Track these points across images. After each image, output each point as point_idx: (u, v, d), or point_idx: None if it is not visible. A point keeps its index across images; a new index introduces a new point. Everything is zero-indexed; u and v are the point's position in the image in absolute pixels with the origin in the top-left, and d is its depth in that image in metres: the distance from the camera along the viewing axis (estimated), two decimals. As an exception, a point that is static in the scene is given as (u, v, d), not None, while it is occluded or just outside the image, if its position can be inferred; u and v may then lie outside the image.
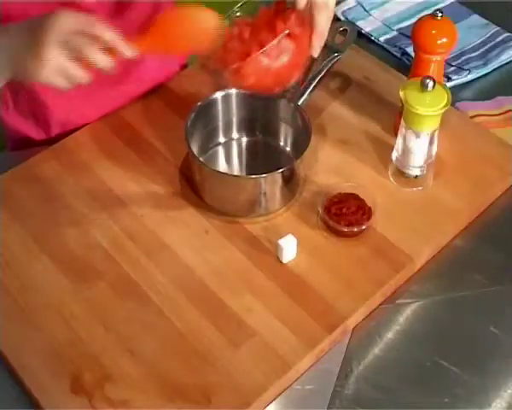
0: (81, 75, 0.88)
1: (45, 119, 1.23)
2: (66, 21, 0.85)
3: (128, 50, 0.89)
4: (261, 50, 0.92)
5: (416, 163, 1.08)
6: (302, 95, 1.13)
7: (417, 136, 1.05)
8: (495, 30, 1.39)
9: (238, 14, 0.98)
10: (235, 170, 1.16)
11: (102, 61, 0.87)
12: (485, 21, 1.41)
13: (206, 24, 0.93)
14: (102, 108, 1.22)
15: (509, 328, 0.98)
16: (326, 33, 0.99)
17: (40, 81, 0.87)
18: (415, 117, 1.03)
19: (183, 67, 1.36)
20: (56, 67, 0.86)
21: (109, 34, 0.87)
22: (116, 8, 1.15)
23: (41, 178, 1.12)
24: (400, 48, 1.36)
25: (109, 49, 0.88)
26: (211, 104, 1.13)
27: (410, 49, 1.32)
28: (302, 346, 0.92)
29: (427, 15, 1.08)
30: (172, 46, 0.95)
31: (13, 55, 0.87)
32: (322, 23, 0.97)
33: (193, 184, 1.10)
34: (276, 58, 0.94)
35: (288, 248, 1.00)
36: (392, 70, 1.29)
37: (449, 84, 1.27)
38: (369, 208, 1.04)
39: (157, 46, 0.93)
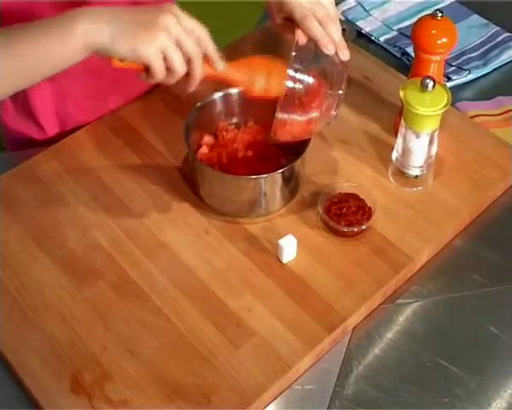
0: (179, 67, 0.90)
1: (44, 119, 1.23)
2: (181, 15, 0.89)
3: (220, 64, 0.95)
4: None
5: (416, 163, 1.08)
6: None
7: (417, 136, 1.05)
8: (495, 30, 1.39)
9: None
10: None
11: (199, 66, 0.91)
12: (485, 21, 1.41)
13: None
14: (102, 108, 1.22)
15: (509, 328, 0.98)
16: (342, 39, 1.02)
17: (140, 57, 0.88)
18: (415, 117, 1.03)
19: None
20: (161, 49, 0.88)
21: (211, 44, 0.92)
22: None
23: (41, 178, 1.12)
24: (400, 48, 1.36)
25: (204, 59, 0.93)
26: (211, 104, 1.13)
27: (410, 49, 1.32)
28: (302, 346, 0.92)
29: (427, 15, 1.08)
30: (251, 84, 1.01)
31: (120, 27, 0.88)
32: (337, 34, 1.01)
33: (193, 184, 1.10)
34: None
35: (288, 248, 1.00)
36: (392, 70, 1.29)
37: (449, 85, 1.27)
38: (369, 208, 1.04)
39: (237, 78, 1.00)
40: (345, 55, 1.02)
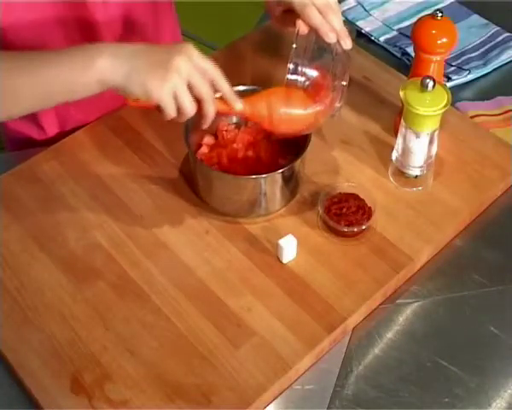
0: (189, 108, 0.91)
1: (44, 119, 1.23)
2: (195, 56, 0.90)
3: (237, 104, 0.95)
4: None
5: (416, 163, 1.08)
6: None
7: (417, 136, 1.05)
8: (495, 30, 1.39)
9: None
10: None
11: (211, 106, 0.92)
12: (485, 21, 1.41)
13: (307, 111, 0.99)
14: (102, 108, 1.22)
15: (509, 328, 0.98)
16: (343, 28, 1.03)
17: (152, 98, 0.90)
18: (415, 117, 1.03)
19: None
20: (174, 91, 0.89)
21: (226, 84, 0.93)
22: (120, 9, 1.15)
23: (41, 178, 1.12)
24: (400, 48, 1.36)
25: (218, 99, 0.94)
26: (211, 104, 1.12)
27: (410, 49, 1.32)
28: (302, 346, 0.92)
29: (427, 15, 1.08)
30: (271, 121, 0.99)
31: (133, 67, 0.90)
32: (337, 23, 1.02)
33: (193, 184, 1.10)
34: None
35: (288, 248, 1.00)
36: (392, 70, 1.29)
37: (449, 85, 1.27)
38: (369, 208, 1.04)
39: (257, 115, 0.98)
40: (347, 43, 1.02)
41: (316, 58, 1.01)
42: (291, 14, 1.03)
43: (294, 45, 0.98)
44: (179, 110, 0.91)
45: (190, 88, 0.90)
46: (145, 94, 0.90)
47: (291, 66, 0.98)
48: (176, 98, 0.90)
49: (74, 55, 0.94)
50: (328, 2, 1.02)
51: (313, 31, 1.01)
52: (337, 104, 1.01)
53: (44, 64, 0.94)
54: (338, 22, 1.02)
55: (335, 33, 1.01)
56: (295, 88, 1.00)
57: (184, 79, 0.89)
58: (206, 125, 0.95)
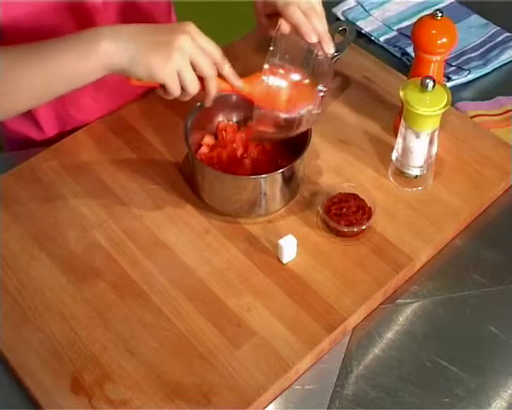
0: (193, 86, 0.92)
1: (44, 120, 1.23)
2: (197, 35, 0.91)
3: (237, 82, 0.97)
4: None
5: (416, 163, 1.08)
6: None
7: (417, 136, 1.05)
8: (495, 30, 1.39)
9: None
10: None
11: (214, 85, 0.94)
12: (485, 21, 1.41)
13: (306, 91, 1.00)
14: (102, 109, 1.22)
15: (509, 328, 0.98)
16: (326, 32, 1.03)
17: (156, 78, 0.90)
18: (415, 117, 1.03)
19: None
20: (177, 70, 0.90)
21: (227, 63, 0.95)
22: (121, 10, 1.15)
23: (41, 178, 1.12)
24: (400, 48, 1.36)
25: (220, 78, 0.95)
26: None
27: (410, 49, 1.32)
28: (302, 346, 0.92)
29: (427, 15, 1.08)
30: (268, 98, 0.99)
31: (136, 49, 0.90)
32: (320, 26, 1.02)
33: (193, 185, 1.10)
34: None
35: (288, 248, 1.00)
36: (392, 70, 1.29)
37: (449, 85, 1.27)
38: (369, 208, 1.04)
39: (256, 93, 0.98)
40: (329, 47, 1.02)
41: (297, 61, 1.01)
42: (276, 18, 1.03)
43: (271, 47, 0.97)
44: (183, 88, 0.92)
45: (193, 66, 0.91)
46: (149, 75, 0.90)
47: (266, 66, 0.98)
48: (179, 77, 0.91)
49: (75, 42, 0.93)
50: (313, 6, 1.02)
51: (294, 31, 1.01)
52: (315, 111, 1.00)
53: (45, 55, 0.93)
54: (322, 26, 1.02)
55: (317, 35, 1.01)
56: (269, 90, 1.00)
57: (187, 58, 0.90)
58: (208, 104, 0.97)
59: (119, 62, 0.91)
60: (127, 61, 0.90)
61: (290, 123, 1.01)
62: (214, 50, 0.93)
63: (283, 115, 1.00)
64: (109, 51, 0.90)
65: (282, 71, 0.99)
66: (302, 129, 1.03)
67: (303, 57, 1.02)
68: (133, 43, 0.90)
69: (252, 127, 1.03)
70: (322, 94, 0.99)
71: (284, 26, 1.01)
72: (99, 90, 1.19)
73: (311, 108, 1.00)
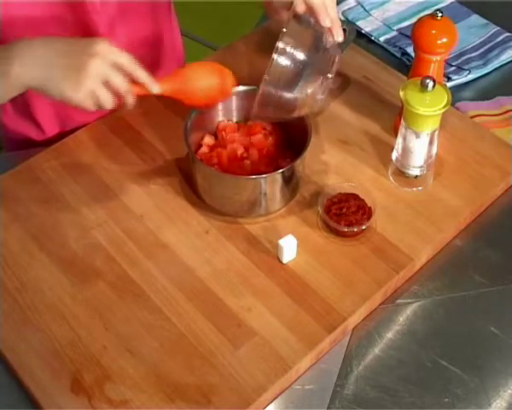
0: (108, 103, 0.95)
1: (44, 120, 1.23)
2: (107, 53, 0.93)
3: (155, 88, 0.97)
4: None
5: (416, 163, 1.08)
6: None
7: (417, 136, 1.05)
8: (495, 30, 1.39)
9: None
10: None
11: (130, 96, 0.96)
12: (485, 21, 1.41)
13: (225, 82, 1.04)
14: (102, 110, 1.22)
15: (509, 328, 0.98)
16: (338, 19, 1.04)
17: (70, 102, 0.93)
18: (415, 117, 1.03)
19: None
20: (90, 93, 0.93)
21: (142, 72, 0.95)
22: (119, 10, 1.16)
23: (41, 178, 1.12)
24: (400, 48, 1.36)
25: (137, 84, 0.97)
26: (211, 104, 1.13)
27: (410, 49, 1.32)
28: (302, 346, 0.92)
29: (427, 15, 1.08)
30: (189, 94, 1.02)
31: (48, 74, 0.93)
32: (333, 12, 1.03)
33: (193, 184, 1.10)
34: None
35: (288, 248, 1.00)
36: (392, 70, 1.29)
37: (449, 85, 1.27)
38: (369, 208, 1.04)
39: (176, 91, 1.00)
40: (338, 34, 1.03)
41: (304, 46, 1.01)
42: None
43: (284, 29, 0.98)
44: (99, 106, 0.94)
45: (107, 84, 0.93)
46: (63, 99, 0.92)
47: (280, 45, 0.98)
48: (93, 97, 0.93)
49: None
50: None
51: (309, 14, 1.01)
52: (319, 96, 1.01)
53: None
54: (334, 13, 1.03)
55: (331, 20, 1.02)
56: (217, 64, 1.03)
57: (100, 80, 0.92)
58: (127, 109, 0.98)
59: (33, 85, 0.94)
60: (40, 86, 0.93)
61: (292, 105, 1.02)
62: (127, 62, 0.94)
63: (286, 96, 1.01)
64: (21, 75, 0.93)
65: (293, 51, 1.00)
66: (303, 112, 1.03)
67: (313, 42, 1.03)
68: (44, 69, 0.92)
69: (253, 107, 1.03)
70: (328, 80, 1.00)
71: (300, 6, 1.01)
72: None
73: (315, 92, 1.00)
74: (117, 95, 0.95)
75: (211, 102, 1.07)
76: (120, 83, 0.94)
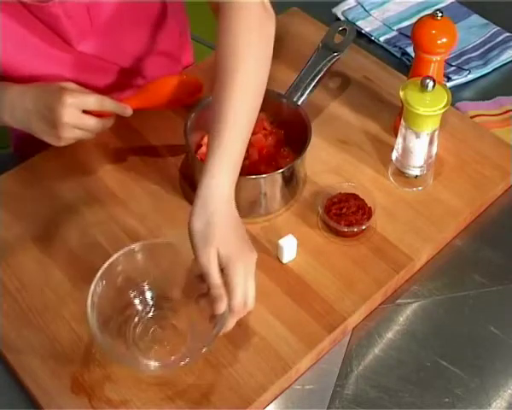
0: (89, 137, 1.05)
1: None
2: (73, 99, 0.99)
3: (127, 112, 1.06)
4: None
5: (416, 163, 1.08)
6: (302, 95, 1.13)
7: (417, 136, 1.05)
8: (495, 30, 1.39)
9: None
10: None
11: (106, 124, 1.06)
12: (485, 21, 1.41)
13: (186, 90, 1.14)
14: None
15: (509, 328, 0.98)
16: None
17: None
18: (415, 117, 1.03)
19: (185, 67, 1.36)
20: (71, 139, 1.03)
21: (111, 104, 1.04)
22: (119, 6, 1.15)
23: (41, 178, 1.12)
24: (400, 48, 1.36)
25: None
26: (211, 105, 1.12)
27: (410, 49, 1.32)
28: (302, 346, 0.92)
29: (427, 15, 1.08)
30: (157, 105, 1.14)
31: (30, 129, 1.03)
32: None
33: (193, 184, 1.10)
34: None
35: (288, 248, 1.00)
36: (392, 70, 1.29)
37: (449, 85, 1.27)
38: (370, 208, 1.04)
39: (145, 105, 1.11)
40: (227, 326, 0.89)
41: None
42: None
43: None
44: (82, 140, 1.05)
45: (82, 128, 1.02)
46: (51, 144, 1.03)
47: None
48: (75, 139, 1.03)
49: None
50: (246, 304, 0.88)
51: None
52: None
53: None
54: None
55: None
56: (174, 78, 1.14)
57: (75, 127, 1.01)
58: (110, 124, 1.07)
59: (20, 129, 1.04)
60: (27, 131, 1.03)
61: None
62: (94, 103, 1.02)
63: None
64: (7, 122, 1.03)
65: None
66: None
67: None
68: (25, 124, 1.02)
69: None
70: None
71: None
72: (99, 91, 1.19)
73: None
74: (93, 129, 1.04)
75: (177, 105, 1.16)
76: (92, 126, 1.03)
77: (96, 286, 0.88)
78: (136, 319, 0.93)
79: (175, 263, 0.94)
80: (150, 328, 0.93)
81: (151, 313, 0.94)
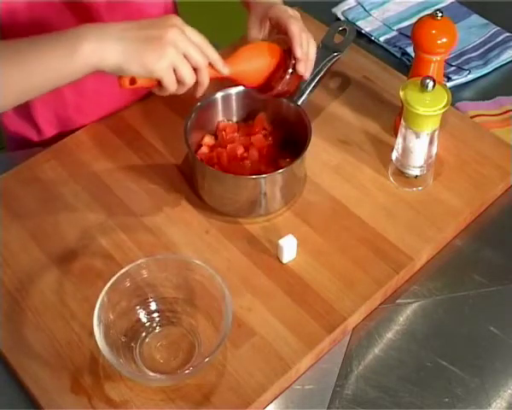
0: (189, 78, 0.92)
1: (43, 122, 1.23)
2: (184, 28, 0.91)
3: (225, 69, 0.96)
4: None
5: (416, 163, 1.08)
6: (302, 95, 1.13)
7: (417, 136, 1.05)
8: (495, 30, 1.39)
9: None
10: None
11: (206, 75, 0.94)
12: (485, 21, 1.41)
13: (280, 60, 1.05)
14: (102, 109, 1.22)
15: (509, 328, 0.98)
16: (308, 59, 1.05)
17: (153, 74, 0.90)
18: (415, 117, 1.03)
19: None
20: (171, 63, 0.90)
21: (214, 53, 0.95)
22: (121, 2, 1.15)
23: (41, 178, 1.12)
24: (400, 48, 1.36)
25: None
26: (211, 104, 1.13)
27: (410, 49, 1.32)
28: (302, 346, 0.92)
29: (427, 15, 1.08)
30: (251, 74, 1.04)
31: (127, 47, 0.89)
32: (311, 52, 1.06)
33: (193, 184, 1.10)
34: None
35: (288, 248, 1.00)
36: (392, 70, 1.29)
37: (449, 85, 1.27)
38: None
39: (239, 73, 1.02)
40: (306, 70, 1.05)
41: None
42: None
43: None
44: (179, 82, 0.92)
45: (186, 59, 0.91)
46: (146, 71, 0.89)
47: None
48: (175, 71, 0.90)
49: (58, 42, 0.91)
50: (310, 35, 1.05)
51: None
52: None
53: (31, 54, 0.91)
54: (310, 49, 1.05)
55: (303, 53, 1.03)
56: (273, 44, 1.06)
57: (181, 51, 0.90)
58: (199, 94, 0.96)
59: (111, 62, 0.89)
60: (120, 60, 0.89)
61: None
62: (201, 41, 0.93)
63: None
64: (92, 51, 0.88)
65: None
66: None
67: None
68: (123, 42, 0.89)
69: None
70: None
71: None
72: (101, 95, 1.19)
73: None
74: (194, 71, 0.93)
75: (267, 82, 1.05)
76: (199, 57, 0.92)
77: (101, 302, 0.88)
78: (144, 334, 0.93)
79: (181, 277, 0.94)
80: (157, 342, 0.93)
81: (158, 329, 0.94)
